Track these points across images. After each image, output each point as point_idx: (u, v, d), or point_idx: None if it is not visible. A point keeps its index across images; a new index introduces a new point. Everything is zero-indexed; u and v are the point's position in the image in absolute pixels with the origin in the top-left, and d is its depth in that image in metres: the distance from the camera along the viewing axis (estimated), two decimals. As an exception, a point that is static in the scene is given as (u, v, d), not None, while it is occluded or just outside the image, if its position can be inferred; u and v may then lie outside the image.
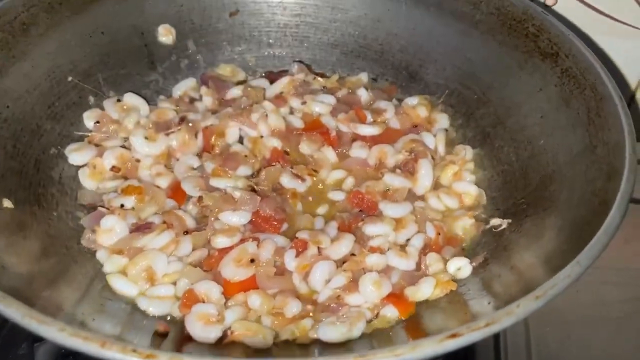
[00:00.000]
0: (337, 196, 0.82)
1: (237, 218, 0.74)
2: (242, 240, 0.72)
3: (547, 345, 0.77)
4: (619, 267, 0.88)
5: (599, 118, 0.69)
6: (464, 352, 0.70)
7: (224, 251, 0.72)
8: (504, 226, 0.74)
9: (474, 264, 0.70)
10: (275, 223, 0.76)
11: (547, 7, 1.02)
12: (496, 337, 0.76)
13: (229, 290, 0.69)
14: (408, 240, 0.75)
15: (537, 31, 0.82)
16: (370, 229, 0.74)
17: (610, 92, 0.69)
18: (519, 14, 0.84)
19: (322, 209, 0.81)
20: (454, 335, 0.45)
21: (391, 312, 0.67)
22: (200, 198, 0.77)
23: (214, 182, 0.78)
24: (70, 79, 0.85)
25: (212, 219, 0.74)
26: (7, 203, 0.69)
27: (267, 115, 0.87)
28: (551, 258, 0.58)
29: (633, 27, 1.03)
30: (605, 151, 0.65)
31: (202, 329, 0.63)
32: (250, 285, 0.69)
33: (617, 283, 0.85)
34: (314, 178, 0.84)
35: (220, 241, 0.72)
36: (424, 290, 0.68)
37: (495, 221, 0.75)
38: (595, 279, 0.84)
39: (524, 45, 0.83)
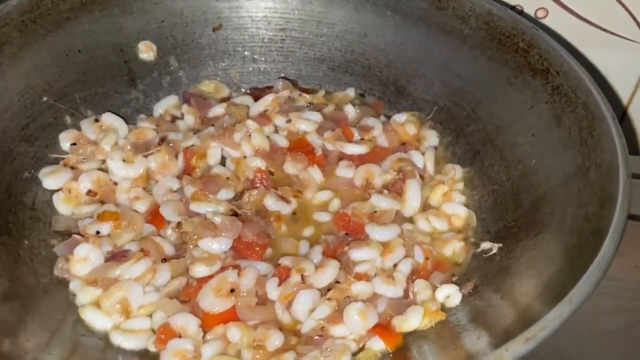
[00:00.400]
0: (323, 217, 0.79)
1: (217, 245, 0.71)
2: (223, 269, 0.69)
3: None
4: (614, 278, 0.86)
5: (592, 138, 0.67)
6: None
7: (203, 280, 0.69)
8: (494, 250, 0.71)
9: (463, 291, 0.68)
10: (258, 249, 0.73)
11: (537, 20, 1.00)
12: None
13: (208, 322, 0.66)
14: (395, 265, 0.73)
15: (527, 46, 0.79)
16: (357, 254, 0.72)
17: (603, 111, 0.66)
18: (508, 28, 0.82)
19: (307, 231, 0.79)
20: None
21: (377, 344, 0.64)
22: (179, 224, 0.74)
23: (194, 207, 0.75)
24: (45, 99, 0.82)
25: (191, 246, 0.71)
26: (-26, 234, 0.66)
27: (250, 134, 0.85)
28: (545, 289, 0.56)
29: (626, 38, 1.02)
30: (598, 174, 0.63)
31: (177, 366, 0.60)
32: (230, 316, 0.66)
33: (610, 294, 0.83)
34: (299, 200, 0.81)
35: (199, 270, 0.69)
36: (412, 321, 0.65)
37: (485, 245, 0.73)
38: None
39: (514, 61, 0.81)
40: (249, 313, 0.67)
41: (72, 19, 0.84)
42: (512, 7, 0.99)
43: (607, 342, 0.79)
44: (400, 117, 0.90)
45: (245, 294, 0.68)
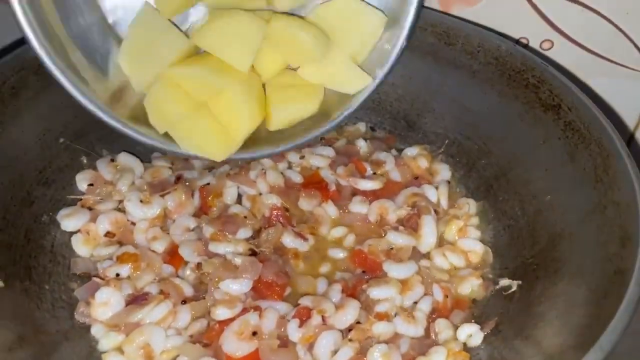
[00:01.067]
0: (339, 254, 0.80)
1: (238, 286, 0.72)
2: (244, 310, 0.70)
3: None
4: None
5: (607, 176, 0.68)
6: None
7: (225, 322, 0.69)
8: (514, 288, 0.72)
9: (485, 330, 0.68)
10: (278, 289, 0.73)
11: (543, 52, 1.02)
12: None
13: (231, 366, 0.66)
14: (415, 303, 0.73)
15: (538, 82, 0.81)
16: (376, 292, 0.72)
17: (618, 149, 0.67)
18: (517, 64, 0.83)
19: (324, 268, 0.79)
20: None
21: (402, 387, 0.64)
22: (199, 265, 0.74)
23: (214, 248, 0.76)
24: (61, 140, 0.83)
25: (212, 288, 0.72)
26: (-2, 282, 0.67)
27: (265, 172, 0.85)
28: (570, 333, 0.56)
29: (630, 68, 1.03)
30: (616, 213, 0.64)
31: (203, 413, 0.61)
32: (253, 359, 0.67)
33: None
34: (315, 236, 0.82)
35: (221, 313, 0.69)
36: (436, 362, 0.66)
37: (504, 282, 0.73)
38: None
39: (524, 96, 0.82)
40: (271, 356, 0.67)
41: (87, 60, 0.86)
42: (518, 40, 1.01)
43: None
44: (411, 151, 0.92)
45: (267, 337, 0.68)
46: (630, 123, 1.10)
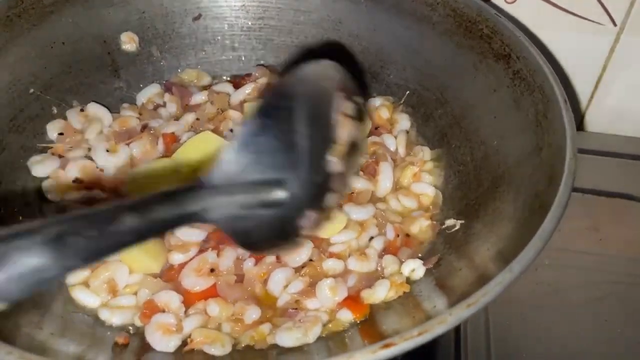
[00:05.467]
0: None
1: (191, 235, 0.74)
2: (202, 251, 0.74)
3: (507, 334, 0.80)
4: (583, 252, 0.91)
5: (546, 120, 0.71)
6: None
7: (182, 265, 0.73)
8: (457, 227, 0.76)
9: (427, 265, 0.72)
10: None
11: (505, 6, 1.03)
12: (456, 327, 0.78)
13: (190, 300, 0.70)
14: (370, 240, 0.77)
15: (491, 33, 0.83)
16: (336, 237, 0.76)
17: (557, 95, 0.70)
18: (473, 15, 0.85)
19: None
20: (387, 346, 0.47)
21: (346, 315, 0.69)
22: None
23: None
24: (31, 90, 0.86)
25: (168, 234, 0.75)
26: (-32, 222, 0.71)
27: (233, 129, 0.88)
28: (497, 258, 0.61)
29: (593, 22, 1.05)
30: (549, 154, 0.67)
31: (161, 338, 0.65)
32: (211, 294, 0.71)
33: (579, 267, 0.89)
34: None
35: (176, 257, 0.73)
36: (379, 293, 0.70)
37: (449, 222, 0.77)
38: (555, 262, 0.87)
39: (479, 47, 0.84)
40: (228, 291, 0.71)
41: (55, 12, 0.88)
42: (482, -6, 1.02)
43: (574, 316, 0.83)
44: (375, 102, 0.94)
45: (224, 273, 0.72)
46: (594, 73, 1.12)
